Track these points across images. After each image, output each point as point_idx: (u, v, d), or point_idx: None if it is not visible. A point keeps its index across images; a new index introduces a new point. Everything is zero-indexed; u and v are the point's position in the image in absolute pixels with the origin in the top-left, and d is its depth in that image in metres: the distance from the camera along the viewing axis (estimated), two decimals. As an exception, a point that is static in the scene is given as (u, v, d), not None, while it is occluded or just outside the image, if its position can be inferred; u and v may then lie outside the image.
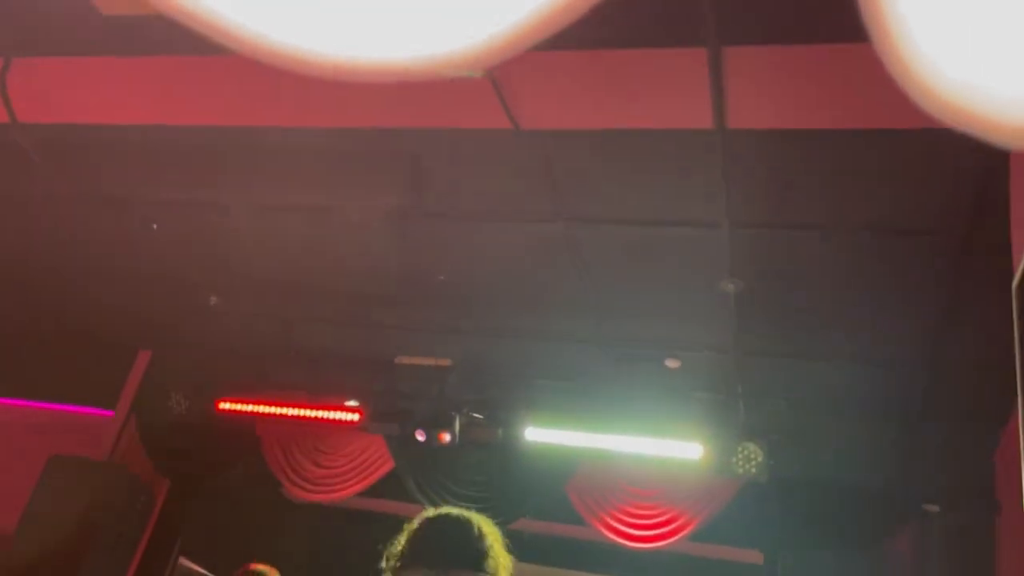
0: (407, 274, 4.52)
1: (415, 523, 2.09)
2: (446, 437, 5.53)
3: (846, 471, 5.19)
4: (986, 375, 4.29)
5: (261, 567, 3.99)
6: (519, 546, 6.72)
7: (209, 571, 7.13)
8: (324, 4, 0.95)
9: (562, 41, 0.94)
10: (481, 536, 2.02)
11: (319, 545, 7.56)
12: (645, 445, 5.39)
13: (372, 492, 6.35)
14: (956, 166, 3.10)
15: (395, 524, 6.87)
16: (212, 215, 4.45)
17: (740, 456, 5.16)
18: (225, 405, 6.05)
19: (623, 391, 5.32)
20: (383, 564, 2.08)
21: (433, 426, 5.55)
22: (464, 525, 2.04)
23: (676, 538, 5.54)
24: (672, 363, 5.05)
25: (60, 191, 4.33)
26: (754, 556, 5.93)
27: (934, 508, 5.05)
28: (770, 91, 2.96)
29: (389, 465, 6.26)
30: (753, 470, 5.12)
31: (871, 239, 3.61)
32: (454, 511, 2.11)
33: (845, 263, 3.83)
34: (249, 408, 6.01)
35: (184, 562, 6.86)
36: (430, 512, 2.11)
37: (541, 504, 6.01)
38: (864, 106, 2.92)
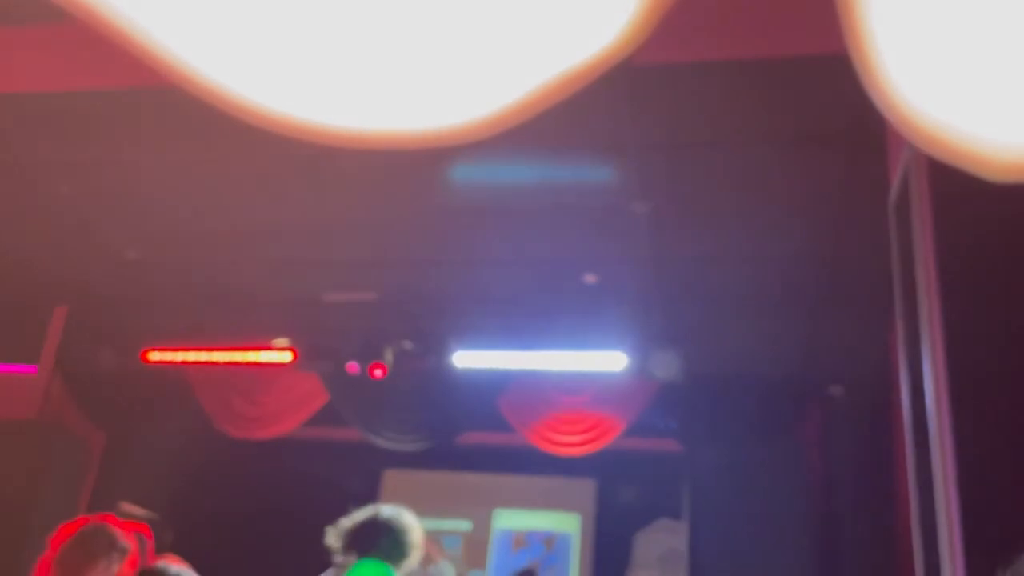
0: (323, 214, 4.61)
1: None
2: (378, 371, 5.69)
3: (756, 366, 5.56)
4: (878, 267, 4.64)
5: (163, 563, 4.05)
6: (459, 457, 7.06)
7: (153, 512, 7.25)
8: (341, 84, 1.04)
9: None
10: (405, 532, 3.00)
11: (261, 477, 7.73)
12: (570, 359, 5.66)
13: (311, 420, 6.50)
14: (839, 89, 3.32)
15: (336, 450, 7.08)
16: (122, 173, 4.45)
17: (658, 360, 5.48)
18: (155, 355, 6.08)
19: (546, 309, 5.54)
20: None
21: (365, 359, 5.70)
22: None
23: (604, 444, 5.88)
24: (590, 278, 5.28)
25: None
26: (674, 446, 6.33)
27: (838, 390, 5.48)
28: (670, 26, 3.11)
29: (325, 398, 6.40)
30: (671, 373, 5.45)
31: (769, 152, 3.85)
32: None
33: (745, 175, 4.08)
34: (179, 357, 6.05)
35: (126, 506, 6.95)
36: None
37: (476, 423, 6.27)
38: (753, 38, 3.11)
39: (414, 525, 3.12)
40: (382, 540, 3.06)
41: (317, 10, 1.01)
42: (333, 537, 3.10)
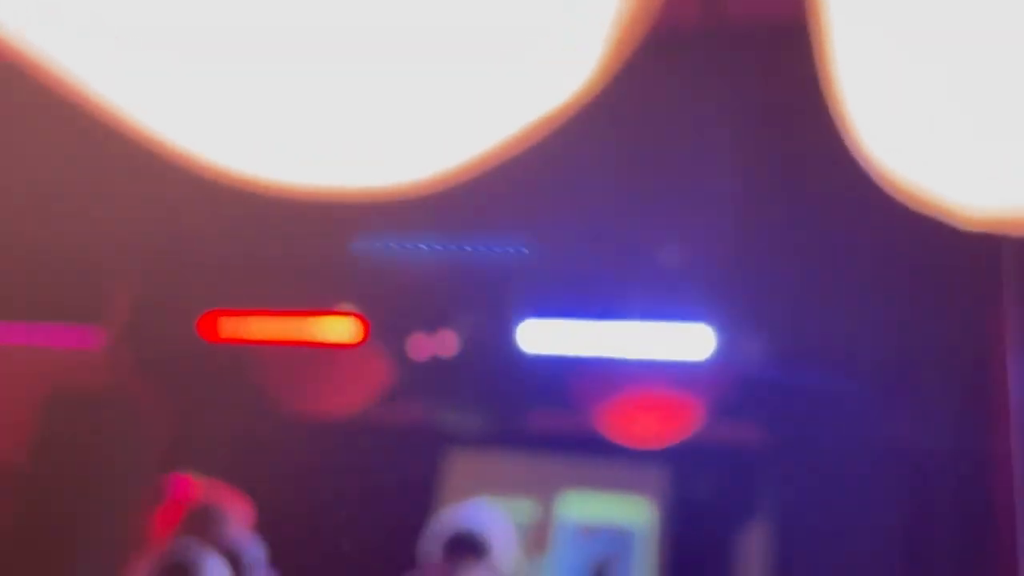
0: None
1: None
2: (443, 350, 5.49)
3: (849, 348, 5.21)
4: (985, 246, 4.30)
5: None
6: (526, 440, 6.85)
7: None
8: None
9: None
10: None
11: (326, 456, 7.61)
12: (648, 341, 5.37)
13: (374, 400, 6.33)
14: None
15: (399, 431, 6.94)
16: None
17: (742, 343, 5.17)
18: (219, 327, 5.97)
19: (622, 287, 5.28)
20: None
21: (431, 337, 5.50)
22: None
23: (680, 434, 5.58)
24: (671, 254, 5.00)
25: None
26: (756, 436, 5.97)
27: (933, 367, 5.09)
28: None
29: (389, 376, 6.21)
30: (757, 357, 5.14)
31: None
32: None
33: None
34: (244, 329, 5.94)
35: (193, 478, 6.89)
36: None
37: (544, 405, 6.05)
38: None
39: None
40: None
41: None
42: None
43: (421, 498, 8.07)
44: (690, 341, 5.35)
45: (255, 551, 2.83)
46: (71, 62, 1.02)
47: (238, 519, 4.31)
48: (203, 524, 4.09)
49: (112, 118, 1.03)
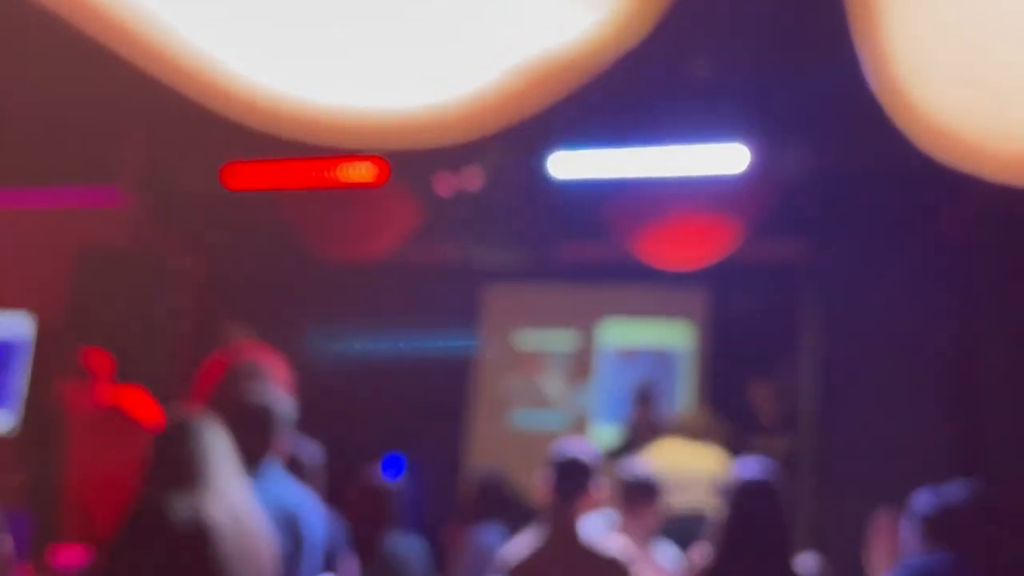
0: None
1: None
2: (471, 183, 5.32)
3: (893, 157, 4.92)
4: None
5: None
6: (563, 270, 6.75)
7: (260, 337, 7.26)
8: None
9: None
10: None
11: (360, 303, 7.61)
12: (681, 159, 5.14)
13: (405, 240, 6.22)
14: None
15: (433, 271, 6.85)
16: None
17: (781, 156, 4.92)
18: (239, 175, 5.84)
19: (653, 104, 5.01)
20: None
21: (459, 171, 5.32)
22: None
23: (719, 254, 5.41)
24: (703, 67, 4.70)
25: None
26: (797, 253, 5.80)
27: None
28: None
29: (418, 215, 6.08)
30: (797, 169, 4.90)
31: None
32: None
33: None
34: (264, 177, 5.80)
35: (236, 329, 6.94)
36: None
37: (578, 233, 5.92)
38: None
39: None
40: None
41: None
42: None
43: (461, 334, 8.11)
44: (725, 158, 5.11)
45: (289, 407, 2.79)
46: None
47: (276, 375, 4.33)
48: (244, 378, 4.11)
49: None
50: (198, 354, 5.45)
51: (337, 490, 4.03)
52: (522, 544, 2.88)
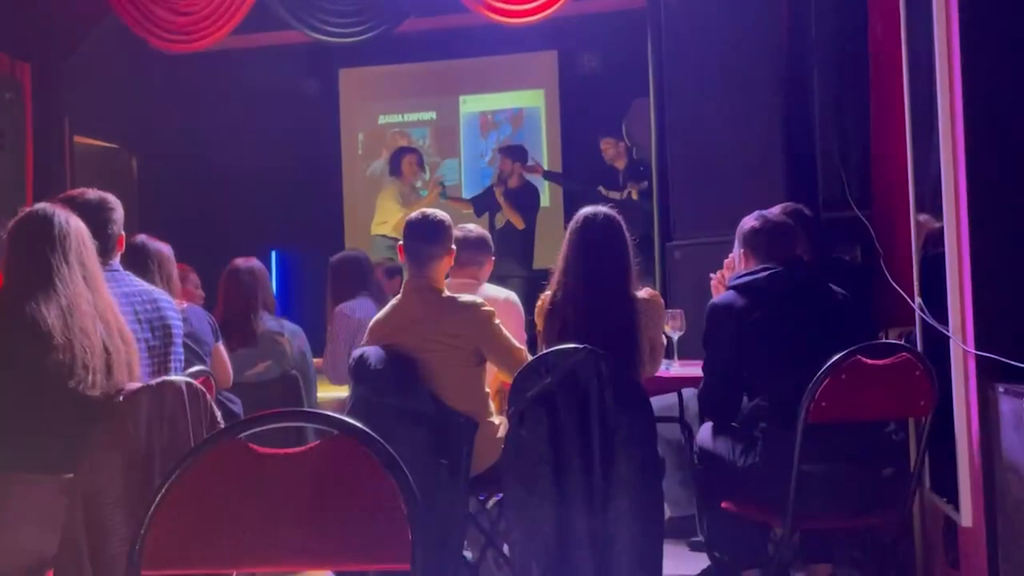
0: None
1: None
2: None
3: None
4: None
5: None
6: (416, 46, 6.65)
7: (106, 142, 7.01)
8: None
9: None
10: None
11: (214, 94, 7.38)
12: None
13: (243, 28, 5.97)
14: None
15: (272, 56, 6.68)
16: None
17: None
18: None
19: None
20: None
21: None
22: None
23: (560, 3, 5.38)
24: None
25: None
26: (638, 3, 5.81)
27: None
28: None
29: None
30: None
31: None
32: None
33: None
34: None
35: (81, 140, 6.69)
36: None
37: (424, 5, 5.81)
38: None
39: None
40: None
41: None
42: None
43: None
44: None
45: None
46: None
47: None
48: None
49: None
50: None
51: (208, 277, 4.13)
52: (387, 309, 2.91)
